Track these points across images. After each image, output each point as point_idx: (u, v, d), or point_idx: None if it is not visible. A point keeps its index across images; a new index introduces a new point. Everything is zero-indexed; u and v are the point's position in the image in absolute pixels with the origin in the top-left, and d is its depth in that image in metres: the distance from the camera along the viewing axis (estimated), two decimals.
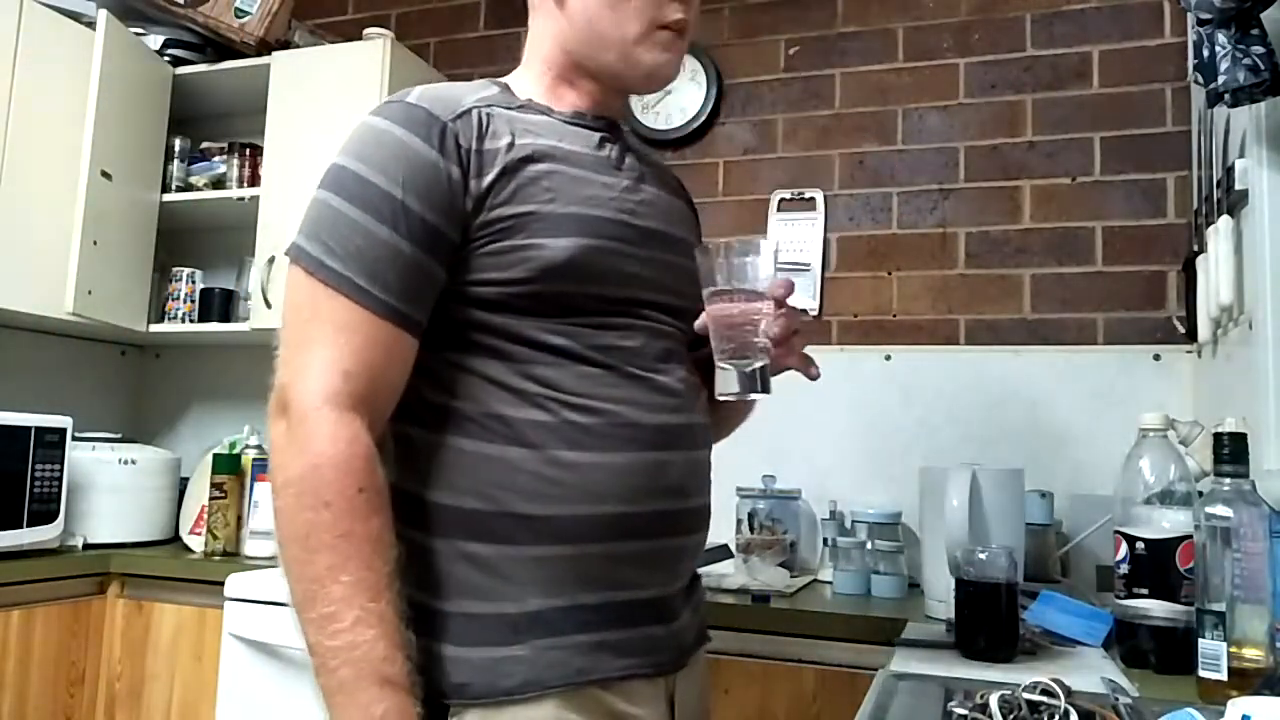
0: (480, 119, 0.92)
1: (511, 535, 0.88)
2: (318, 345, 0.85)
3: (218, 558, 2.11)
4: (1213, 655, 1.02)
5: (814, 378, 1.02)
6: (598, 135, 1.01)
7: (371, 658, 0.78)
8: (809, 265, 2.26)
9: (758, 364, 0.92)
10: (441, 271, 0.89)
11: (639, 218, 0.98)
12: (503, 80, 1.03)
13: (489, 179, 0.90)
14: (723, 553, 1.87)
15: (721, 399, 0.94)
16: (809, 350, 1.02)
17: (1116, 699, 0.97)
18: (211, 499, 2.15)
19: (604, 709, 0.89)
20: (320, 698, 0.80)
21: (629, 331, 0.94)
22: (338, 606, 0.79)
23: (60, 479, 2.07)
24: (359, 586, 0.80)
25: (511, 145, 0.92)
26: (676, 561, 0.97)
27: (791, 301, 0.97)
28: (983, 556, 1.29)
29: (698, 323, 0.96)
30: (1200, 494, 1.16)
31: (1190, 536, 1.15)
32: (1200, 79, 1.33)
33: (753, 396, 0.93)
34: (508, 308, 0.90)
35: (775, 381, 1.00)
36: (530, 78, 1.04)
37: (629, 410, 0.92)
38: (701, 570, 1.81)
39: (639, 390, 0.93)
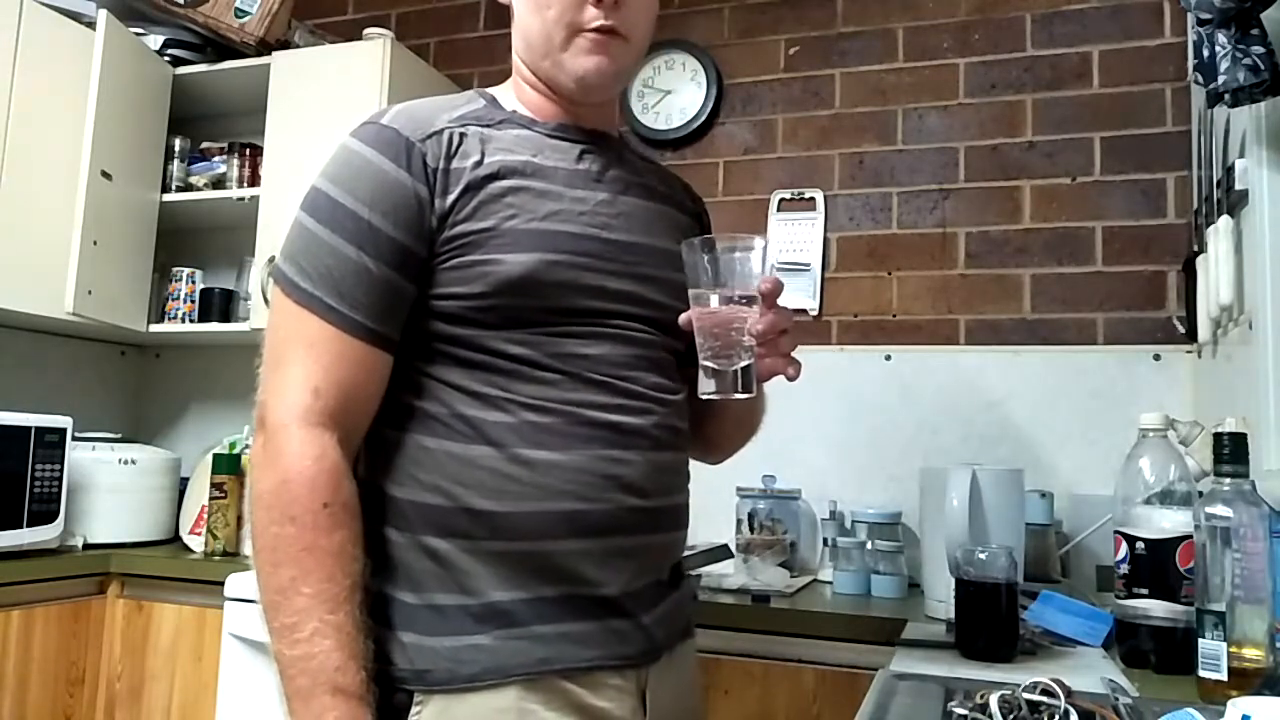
0: (451, 139, 0.94)
1: (470, 530, 0.90)
2: (291, 363, 0.88)
3: (218, 558, 2.11)
4: (1213, 655, 1.02)
5: (791, 379, 0.97)
6: (579, 148, 1.02)
7: (326, 668, 0.82)
8: (809, 265, 2.26)
9: (740, 364, 0.90)
10: (411, 287, 0.92)
11: (614, 231, 0.99)
12: (491, 92, 1.05)
13: (452, 196, 0.92)
14: (723, 553, 1.87)
15: (704, 398, 0.93)
16: (803, 351, 0.99)
17: (1116, 699, 0.97)
18: (211, 499, 2.15)
19: (566, 699, 0.90)
20: (281, 703, 0.84)
21: (592, 340, 0.95)
22: (299, 617, 0.82)
23: (60, 479, 2.07)
24: (319, 599, 0.83)
25: (479, 163, 0.94)
26: (639, 559, 0.96)
27: (789, 302, 0.96)
28: (983, 556, 1.29)
29: (682, 319, 0.96)
30: (1200, 494, 1.16)
31: (1190, 536, 1.15)
32: (1200, 79, 1.33)
33: (735, 397, 0.91)
34: (469, 320, 0.92)
35: (776, 382, 0.99)
36: (515, 87, 1.06)
37: (587, 411, 0.93)
38: (702, 570, 1.83)
39: (599, 393, 0.94)
